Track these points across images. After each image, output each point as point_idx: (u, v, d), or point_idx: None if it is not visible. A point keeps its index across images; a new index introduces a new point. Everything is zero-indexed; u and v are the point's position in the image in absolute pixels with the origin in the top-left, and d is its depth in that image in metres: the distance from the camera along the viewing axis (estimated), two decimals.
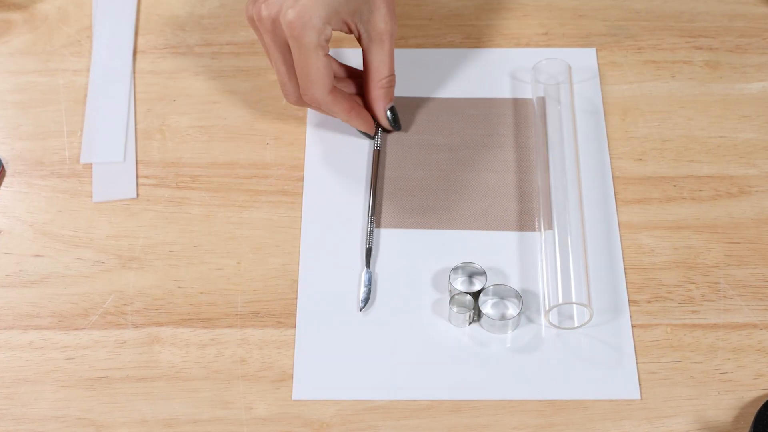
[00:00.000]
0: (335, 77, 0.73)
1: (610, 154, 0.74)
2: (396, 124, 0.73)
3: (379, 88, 0.71)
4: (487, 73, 0.79)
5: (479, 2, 0.83)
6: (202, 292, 0.69)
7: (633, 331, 0.67)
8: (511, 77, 0.78)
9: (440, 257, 0.70)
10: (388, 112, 0.72)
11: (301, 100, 0.71)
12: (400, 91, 0.78)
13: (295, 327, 0.67)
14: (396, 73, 0.79)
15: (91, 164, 0.75)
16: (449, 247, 0.70)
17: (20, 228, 0.72)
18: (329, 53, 0.70)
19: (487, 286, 0.67)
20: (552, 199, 0.70)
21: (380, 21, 0.69)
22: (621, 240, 0.70)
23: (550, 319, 0.67)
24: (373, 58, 0.70)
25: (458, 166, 0.74)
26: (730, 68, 0.79)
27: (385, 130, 0.75)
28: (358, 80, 0.75)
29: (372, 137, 0.74)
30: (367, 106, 0.74)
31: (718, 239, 0.70)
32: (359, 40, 0.71)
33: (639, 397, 0.64)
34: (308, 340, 0.66)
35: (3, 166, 0.74)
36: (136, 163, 0.75)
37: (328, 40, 0.67)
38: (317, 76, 0.68)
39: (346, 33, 0.70)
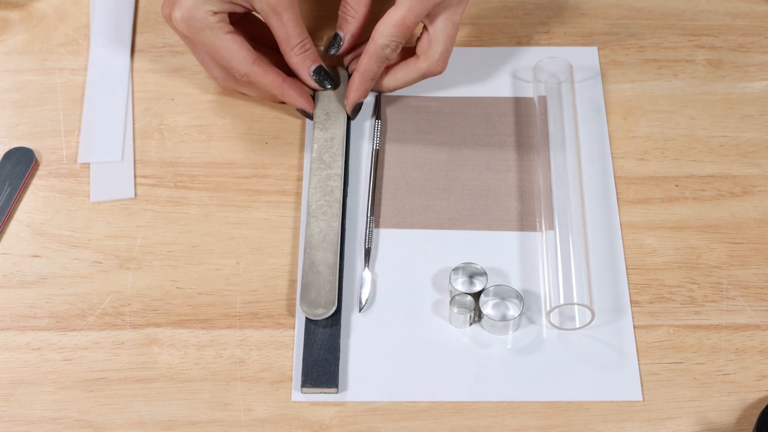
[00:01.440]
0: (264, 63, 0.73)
1: (611, 153, 0.74)
2: (326, 83, 0.73)
3: (293, 56, 0.71)
4: (487, 72, 0.78)
5: (480, 0, 0.82)
6: (200, 293, 0.68)
7: (635, 332, 0.66)
8: (512, 76, 0.78)
9: (440, 257, 0.69)
10: (313, 74, 0.72)
11: (229, 81, 0.73)
12: (400, 90, 0.77)
13: (294, 328, 0.67)
14: None
15: (89, 164, 0.74)
16: (449, 248, 0.70)
17: (17, 228, 0.71)
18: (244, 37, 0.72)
19: (487, 286, 0.67)
20: (553, 199, 0.70)
21: None
22: (623, 240, 0.70)
23: (552, 320, 0.67)
24: (276, 32, 0.71)
25: (459, 166, 0.74)
26: (733, 67, 0.78)
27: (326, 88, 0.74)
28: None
29: (311, 117, 0.74)
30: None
31: (721, 239, 0.70)
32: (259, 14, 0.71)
33: (641, 399, 0.64)
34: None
35: (37, 160, 0.74)
36: (134, 163, 0.74)
37: (223, 20, 0.69)
38: (229, 53, 0.70)
39: (246, 10, 0.71)
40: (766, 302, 0.68)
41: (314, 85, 0.73)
